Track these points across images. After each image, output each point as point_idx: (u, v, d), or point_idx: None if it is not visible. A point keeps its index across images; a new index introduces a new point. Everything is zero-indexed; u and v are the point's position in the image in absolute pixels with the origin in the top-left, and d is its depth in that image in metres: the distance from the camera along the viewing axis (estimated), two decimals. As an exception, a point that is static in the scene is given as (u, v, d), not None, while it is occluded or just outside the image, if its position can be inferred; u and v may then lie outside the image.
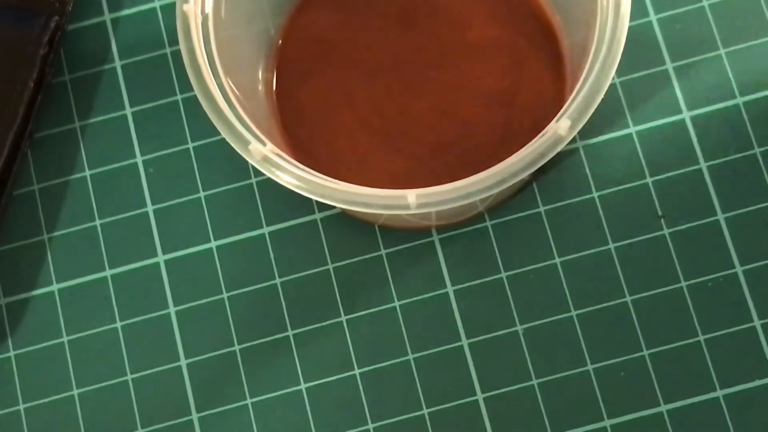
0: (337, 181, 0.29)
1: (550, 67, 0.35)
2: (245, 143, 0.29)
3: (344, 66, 0.36)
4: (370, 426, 0.35)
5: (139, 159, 0.37)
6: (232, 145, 0.29)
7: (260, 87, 0.35)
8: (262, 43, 0.36)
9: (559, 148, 0.28)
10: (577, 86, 0.29)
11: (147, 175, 0.37)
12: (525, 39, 0.35)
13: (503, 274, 0.35)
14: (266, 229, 0.36)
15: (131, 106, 0.37)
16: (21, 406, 0.35)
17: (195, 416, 0.35)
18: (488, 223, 0.36)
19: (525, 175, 0.28)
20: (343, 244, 0.36)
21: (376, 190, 0.29)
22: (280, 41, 0.36)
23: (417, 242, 0.36)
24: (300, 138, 0.35)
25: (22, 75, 0.36)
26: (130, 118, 0.37)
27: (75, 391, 0.35)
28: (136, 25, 0.38)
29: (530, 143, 0.28)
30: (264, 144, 0.29)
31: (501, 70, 0.35)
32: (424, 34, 0.35)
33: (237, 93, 0.30)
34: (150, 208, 0.37)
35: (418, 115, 0.35)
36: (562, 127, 0.28)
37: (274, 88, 0.36)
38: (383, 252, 0.36)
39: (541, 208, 0.36)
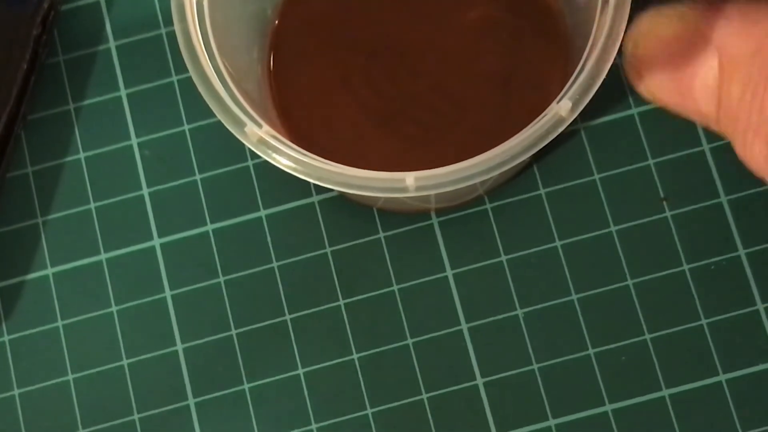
0: (334, 163, 0.29)
1: (551, 47, 0.35)
2: (241, 125, 0.29)
3: (342, 47, 0.35)
4: (369, 411, 0.34)
5: (134, 141, 0.37)
6: (228, 127, 0.29)
7: (257, 68, 0.35)
8: (259, 24, 0.35)
9: (560, 130, 0.28)
10: (579, 67, 0.28)
11: (142, 158, 0.37)
12: (526, 19, 0.35)
13: (503, 258, 0.35)
14: (263, 212, 0.36)
15: (126, 87, 0.37)
16: (15, 391, 0.35)
17: (191, 401, 0.35)
18: (488, 206, 0.36)
19: (525, 157, 0.28)
20: (341, 228, 0.36)
21: (374, 173, 0.28)
22: (277, 22, 0.36)
23: (416, 225, 0.35)
24: (297, 119, 0.35)
25: (15, 56, 0.35)
26: (124, 99, 0.37)
27: (70, 376, 0.35)
28: (131, 5, 0.38)
29: (530, 125, 0.28)
30: (260, 126, 0.29)
31: (501, 51, 0.35)
32: (423, 14, 0.35)
33: (233, 74, 0.30)
34: (145, 190, 0.36)
35: (416, 96, 0.35)
36: (563, 108, 0.28)
37: (271, 69, 0.35)
38: (382, 235, 0.35)
39: (542, 191, 0.35)
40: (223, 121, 0.29)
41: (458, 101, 0.35)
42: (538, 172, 0.36)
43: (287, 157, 0.29)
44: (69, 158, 0.37)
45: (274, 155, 0.29)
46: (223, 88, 0.29)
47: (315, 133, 0.35)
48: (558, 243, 0.35)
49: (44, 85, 0.37)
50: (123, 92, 0.37)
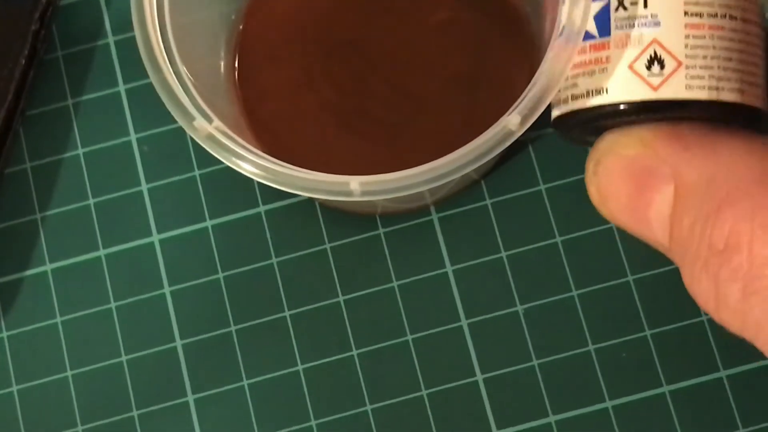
0: (282, 162, 0.28)
1: (518, 52, 0.34)
2: (190, 118, 0.28)
3: (307, 48, 0.35)
4: (368, 407, 0.34)
5: (132, 137, 0.37)
6: (177, 119, 0.28)
7: (222, 71, 0.35)
8: (224, 27, 0.35)
9: (508, 143, 0.27)
10: (533, 79, 0.28)
11: (141, 153, 0.36)
12: (492, 22, 0.35)
13: (503, 254, 0.35)
14: (262, 208, 0.36)
15: (125, 82, 0.37)
16: (14, 388, 0.35)
17: (190, 398, 0.35)
18: (488, 202, 0.35)
19: (473, 168, 0.27)
20: (340, 224, 0.35)
21: (320, 175, 0.28)
22: (242, 25, 0.35)
23: (415, 221, 0.35)
24: (263, 121, 0.34)
25: (14, 51, 0.35)
26: (123, 95, 0.37)
27: (69, 373, 0.35)
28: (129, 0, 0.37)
29: (481, 136, 0.28)
30: (211, 121, 0.28)
31: (466, 53, 0.34)
32: (389, 13, 0.35)
33: (194, 75, 0.29)
34: (144, 186, 0.36)
35: (382, 98, 0.34)
36: (512, 122, 0.27)
37: (236, 71, 0.35)
38: (381, 231, 0.35)
39: (542, 186, 0.35)
40: (172, 113, 0.29)
41: (421, 102, 0.34)
42: (538, 167, 0.35)
43: (234, 155, 0.28)
44: (67, 154, 0.36)
45: (222, 151, 0.28)
46: (177, 83, 0.29)
47: (280, 134, 0.34)
48: (558, 239, 0.35)
49: (42, 80, 0.37)
50: (122, 88, 0.37)
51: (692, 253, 0.26)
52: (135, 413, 0.35)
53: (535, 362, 0.34)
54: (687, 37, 0.27)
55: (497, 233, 0.35)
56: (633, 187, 0.28)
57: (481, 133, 0.28)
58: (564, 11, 0.28)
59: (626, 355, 0.34)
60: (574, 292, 0.35)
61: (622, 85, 0.27)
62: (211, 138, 0.28)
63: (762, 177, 0.25)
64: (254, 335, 0.35)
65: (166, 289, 0.35)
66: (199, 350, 0.35)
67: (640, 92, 0.27)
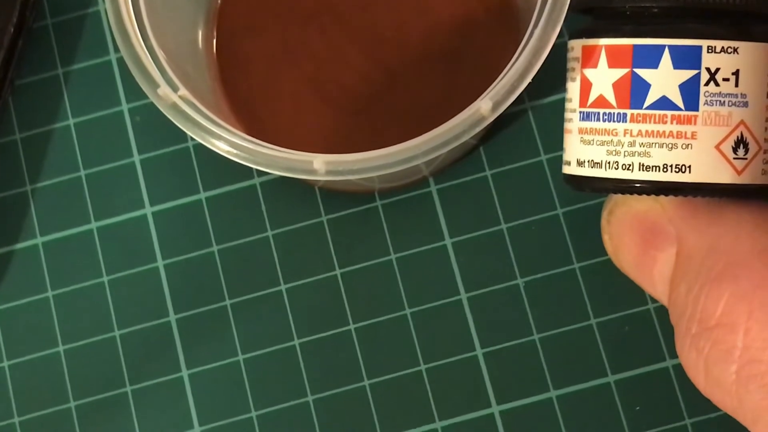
0: (246, 136, 0.28)
1: (503, 29, 0.34)
2: (154, 86, 0.28)
3: (285, 18, 0.34)
4: (366, 382, 0.34)
5: (124, 107, 0.36)
6: (141, 86, 0.28)
7: (200, 45, 0.34)
8: (202, 1, 0.34)
9: (478, 129, 0.27)
10: (508, 65, 0.27)
11: (133, 124, 0.36)
12: (482, 2, 0.34)
13: (503, 226, 0.35)
14: (257, 180, 0.35)
15: (116, 51, 0.36)
16: (5, 363, 0.35)
17: (185, 373, 0.34)
18: (488, 173, 0.35)
19: (443, 152, 0.27)
20: (336, 196, 0.35)
21: (282, 151, 0.27)
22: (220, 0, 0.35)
23: (414, 193, 0.35)
24: (240, 95, 0.34)
25: (2, 19, 0.35)
26: (114, 64, 0.36)
27: (61, 348, 0.35)
28: (121, -33, 0.37)
29: (451, 120, 0.27)
30: (176, 89, 0.28)
31: (449, 28, 0.34)
32: None
33: (164, 49, 0.29)
34: (137, 157, 0.36)
35: (358, 69, 0.34)
36: (483, 108, 0.27)
37: (214, 44, 0.34)
38: (379, 203, 0.35)
39: (543, 157, 0.35)
40: (137, 80, 0.28)
41: (396, 73, 0.34)
42: (539, 137, 0.35)
43: (196, 124, 0.27)
44: (58, 125, 0.36)
45: (184, 121, 0.27)
46: (146, 52, 0.28)
47: (257, 108, 0.34)
48: (559, 210, 0.35)
49: (32, 49, 0.36)
50: (113, 56, 0.36)
51: (683, 325, 0.26)
52: (128, 389, 0.34)
53: (535, 336, 0.34)
54: (766, 120, 0.27)
55: (497, 205, 0.35)
56: (640, 242, 0.27)
57: (460, 110, 0.27)
58: None
59: (628, 329, 0.34)
60: (576, 265, 0.34)
61: (709, 166, 0.26)
62: (174, 107, 0.28)
63: (766, 251, 0.25)
64: (250, 309, 0.34)
65: (160, 263, 0.35)
66: (194, 325, 0.35)
67: (725, 176, 0.26)
